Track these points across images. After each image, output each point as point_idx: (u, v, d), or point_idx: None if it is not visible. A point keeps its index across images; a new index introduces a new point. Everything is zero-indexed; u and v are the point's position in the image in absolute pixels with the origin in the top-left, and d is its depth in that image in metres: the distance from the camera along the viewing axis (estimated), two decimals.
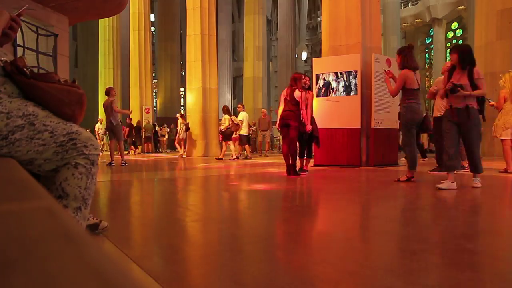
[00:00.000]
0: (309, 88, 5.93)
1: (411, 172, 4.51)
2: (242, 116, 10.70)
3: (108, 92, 7.70)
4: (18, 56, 1.34)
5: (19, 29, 4.18)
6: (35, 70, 4.23)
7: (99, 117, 16.46)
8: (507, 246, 1.96)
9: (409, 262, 1.56)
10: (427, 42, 34.72)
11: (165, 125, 18.24)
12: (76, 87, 1.35)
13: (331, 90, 7.56)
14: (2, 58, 1.25)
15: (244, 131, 10.72)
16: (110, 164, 7.63)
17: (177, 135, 12.89)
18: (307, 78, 5.78)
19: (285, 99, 5.40)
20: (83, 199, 1.30)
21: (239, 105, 11.16)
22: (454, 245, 1.81)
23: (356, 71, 7.32)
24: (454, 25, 33.02)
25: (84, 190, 1.29)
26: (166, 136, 18.37)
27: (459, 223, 2.39)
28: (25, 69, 1.26)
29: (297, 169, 5.58)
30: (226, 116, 10.56)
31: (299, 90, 5.31)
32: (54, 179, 1.29)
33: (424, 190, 4.02)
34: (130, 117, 14.87)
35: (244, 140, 10.96)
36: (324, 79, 7.63)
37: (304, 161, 5.96)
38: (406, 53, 4.64)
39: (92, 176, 1.32)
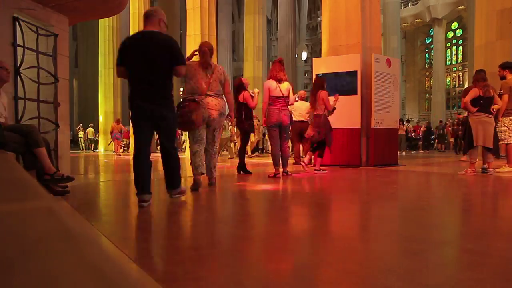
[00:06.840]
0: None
1: None
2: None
3: None
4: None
5: (19, 29, 4.12)
6: (35, 70, 4.23)
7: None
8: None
9: (409, 262, 1.56)
10: (427, 42, 34.74)
11: None
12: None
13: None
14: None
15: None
16: None
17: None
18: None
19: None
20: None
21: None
22: (456, 245, 1.81)
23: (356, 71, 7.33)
24: (454, 25, 33.04)
25: None
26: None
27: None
28: None
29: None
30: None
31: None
32: None
33: None
34: None
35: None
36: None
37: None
38: None
39: None
